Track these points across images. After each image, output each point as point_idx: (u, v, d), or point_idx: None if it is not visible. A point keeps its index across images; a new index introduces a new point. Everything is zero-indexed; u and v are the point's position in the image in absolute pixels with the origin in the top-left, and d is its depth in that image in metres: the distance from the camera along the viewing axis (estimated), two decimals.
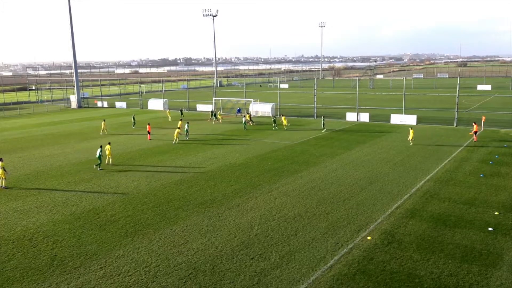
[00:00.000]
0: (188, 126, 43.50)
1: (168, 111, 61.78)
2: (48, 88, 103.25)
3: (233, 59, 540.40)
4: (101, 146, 31.85)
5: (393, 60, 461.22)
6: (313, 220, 20.49)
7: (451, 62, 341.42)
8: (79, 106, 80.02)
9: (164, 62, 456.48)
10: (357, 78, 72.79)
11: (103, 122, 47.94)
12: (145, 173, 29.77)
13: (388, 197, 23.63)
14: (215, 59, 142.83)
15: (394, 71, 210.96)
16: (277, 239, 18.39)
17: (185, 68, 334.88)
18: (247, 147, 38.24)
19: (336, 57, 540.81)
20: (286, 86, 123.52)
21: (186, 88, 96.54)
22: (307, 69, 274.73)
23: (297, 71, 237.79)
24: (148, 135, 42.88)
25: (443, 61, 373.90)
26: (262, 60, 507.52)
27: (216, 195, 24.52)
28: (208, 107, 67.37)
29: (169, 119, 56.51)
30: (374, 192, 24.63)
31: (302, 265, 16.10)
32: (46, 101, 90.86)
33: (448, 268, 15.75)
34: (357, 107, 55.45)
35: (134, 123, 51.41)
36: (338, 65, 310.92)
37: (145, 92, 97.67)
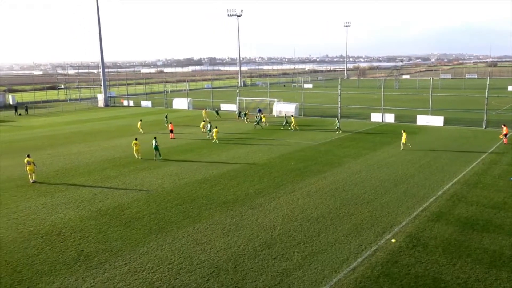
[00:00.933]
0: (210, 126, 43.89)
1: (204, 110, 58.14)
2: (76, 87, 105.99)
3: (257, 59, 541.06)
4: (155, 138, 34.78)
5: (419, 60, 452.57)
6: (336, 221, 20.32)
7: (480, 62, 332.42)
8: (106, 105, 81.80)
9: (189, 62, 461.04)
10: (383, 78, 71.61)
11: (139, 122, 47.87)
12: (169, 171, 30.14)
13: (413, 200, 23.20)
14: (239, 59, 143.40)
15: (420, 71, 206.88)
16: (299, 239, 18.32)
17: (210, 68, 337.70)
18: (270, 147, 38.23)
19: (361, 57, 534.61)
20: (310, 86, 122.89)
21: (210, 88, 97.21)
22: (331, 69, 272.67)
23: (322, 71, 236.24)
24: (171, 133, 43.26)
25: (472, 61, 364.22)
26: (286, 60, 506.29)
27: (239, 194, 24.61)
28: (232, 107, 67.70)
29: (205, 118, 54.10)
30: (399, 194, 24.22)
31: (324, 266, 15.97)
32: (74, 100, 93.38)
33: (476, 273, 15.34)
34: (382, 107, 54.64)
35: (167, 122, 52.00)
36: (363, 65, 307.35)
37: (170, 91, 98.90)
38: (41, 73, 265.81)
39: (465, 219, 20.22)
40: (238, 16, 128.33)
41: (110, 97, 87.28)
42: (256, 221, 20.47)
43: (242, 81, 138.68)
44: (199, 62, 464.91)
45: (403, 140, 35.66)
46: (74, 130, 50.75)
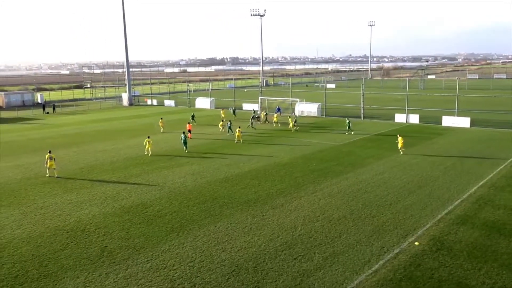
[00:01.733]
0: (230, 125, 44.52)
1: (222, 110, 58.34)
2: (102, 86, 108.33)
3: (279, 59, 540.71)
4: (183, 132, 37.23)
5: (446, 60, 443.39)
6: (358, 222, 20.11)
7: (509, 62, 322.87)
8: (130, 104, 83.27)
9: (211, 62, 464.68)
10: (407, 78, 70.34)
11: (160, 120, 48.32)
12: (191, 170, 30.42)
13: (437, 202, 22.73)
14: (262, 58, 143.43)
15: (447, 71, 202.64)
16: (320, 240, 18.22)
17: (232, 68, 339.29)
18: (292, 147, 38.13)
19: (385, 57, 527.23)
20: (332, 86, 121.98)
21: (232, 87, 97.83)
22: (354, 69, 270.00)
23: (345, 71, 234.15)
24: (189, 133, 43.04)
25: (500, 61, 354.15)
26: (309, 60, 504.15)
27: (260, 194, 24.64)
28: (255, 106, 67.77)
29: (223, 118, 53.44)
30: (422, 196, 23.79)
31: (345, 268, 15.84)
32: (100, 99, 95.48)
33: (502, 279, 14.93)
34: (406, 108, 53.77)
35: (194, 121, 52.43)
36: (387, 65, 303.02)
37: (193, 90, 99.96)
38: (68, 72, 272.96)
39: (491, 223, 19.71)
40: (261, 16, 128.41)
41: (134, 96, 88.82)
42: (277, 221, 20.45)
43: (264, 80, 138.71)
44: (222, 62, 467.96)
45: (400, 145, 34.12)
46: (99, 128, 51.84)
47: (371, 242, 17.89)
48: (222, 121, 48.66)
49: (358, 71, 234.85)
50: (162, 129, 47.07)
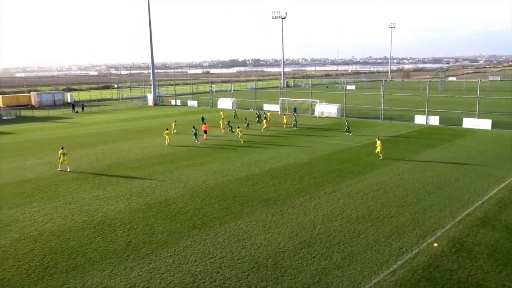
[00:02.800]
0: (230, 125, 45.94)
1: (222, 112, 57.01)
2: (128, 87, 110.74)
3: (300, 60, 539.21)
4: (193, 126, 40.89)
5: (467, 61, 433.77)
6: (377, 223, 20.25)
7: None
8: (155, 104, 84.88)
9: (233, 63, 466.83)
10: (427, 80, 69.52)
11: (173, 123, 48.10)
12: (212, 168, 31.00)
13: (457, 204, 22.66)
14: (283, 60, 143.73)
15: (468, 73, 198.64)
16: (339, 239, 18.44)
17: (254, 69, 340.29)
18: (312, 147, 38.34)
19: (405, 58, 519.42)
20: (352, 87, 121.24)
21: (254, 88, 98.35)
22: (374, 70, 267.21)
23: (365, 73, 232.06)
24: (205, 134, 43.08)
25: None
26: (329, 61, 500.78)
27: (280, 193, 24.99)
28: (275, 107, 68.18)
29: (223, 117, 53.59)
30: (442, 197, 23.73)
31: (364, 267, 16.02)
32: (126, 99, 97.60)
33: None
34: (426, 109, 53.26)
35: (203, 123, 52.93)
36: (407, 66, 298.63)
37: (215, 91, 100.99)
38: (96, 73, 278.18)
39: None
40: (282, 18, 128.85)
41: (159, 96, 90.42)
42: (296, 220, 20.78)
43: (285, 82, 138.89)
44: (243, 63, 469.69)
45: (378, 149, 33.01)
46: (125, 127, 53.02)
47: (389, 242, 18.02)
48: (223, 119, 49.21)
49: (378, 72, 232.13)
50: (175, 130, 46.21)
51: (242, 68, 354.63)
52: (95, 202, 24.03)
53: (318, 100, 64.12)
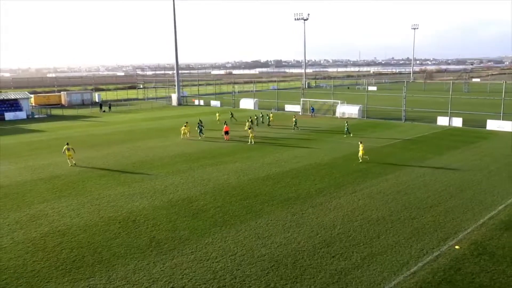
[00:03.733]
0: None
1: (217, 114, 58.42)
2: (153, 87, 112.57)
3: (322, 61, 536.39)
4: (199, 122, 42.90)
5: (492, 63, 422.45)
6: (397, 224, 20.20)
7: None
8: (179, 104, 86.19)
9: (256, 64, 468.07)
10: (451, 81, 68.41)
11: (184, 126, 45.46)
12: (234, 167, 31.38)
13: (480, 207, 22.36)
14: (305, 61, 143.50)
15: (492, 74, 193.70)
16: (359, 240, 18.48)
17: (276, 70, 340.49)
18: (332, 147, 38.30)
19: (428, 60, 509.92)
20: (374, 88, 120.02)
21: (275, 89, 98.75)
22: (397, 71, 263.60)
23: (386, 74, 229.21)
24: (226, 135, 43.05)
25: None
26: (351, 62, 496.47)
27: (300, 193, 25.15)
28: (296, 108, 68.20)
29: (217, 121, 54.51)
30: (464, 200, 23.45)
31: (383, 268, 16.02)
32: (151, 99, 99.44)
33: None
34: (449, 111, 52.46)
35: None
36: (430, 67, 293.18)
37: (238, 92, 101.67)
38: (123, 74, 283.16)
39: None
40: (305, 20, 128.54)
41: (183, 96, 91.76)
42: (316, 220, 20.91)
43: (306, 83, 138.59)
44: (265, 65, 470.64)
45: (360, 153, 32.29)
46: (150, 126, 53.97)
47: (410, 244, 17.96)
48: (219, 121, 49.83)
49: (400, 73, 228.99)
50: (186, 136, 44.51)
51: (264, 69, 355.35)
52: (120, 198, 24.72)
53: (339, 101, 63.90)
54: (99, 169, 31.72)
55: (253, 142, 40.57)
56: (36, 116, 69.66)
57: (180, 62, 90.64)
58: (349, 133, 44.51)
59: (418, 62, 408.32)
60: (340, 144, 40.00)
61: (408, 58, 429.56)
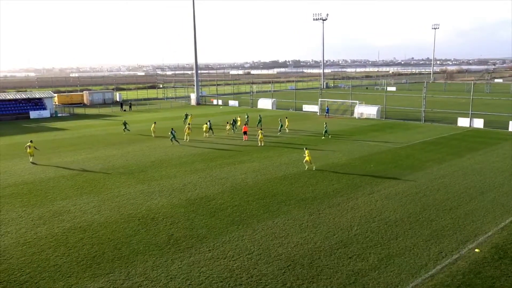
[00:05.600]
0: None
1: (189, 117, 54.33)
2: (173, 87, 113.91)
3: (340, 62, 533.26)
4: (172, 129, 41.23)
5: None
6: (416, 226, 20.02)
7: None
8: (198, 103, 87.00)
9: (274, 64, 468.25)
10: (472, 81, 67.26)
11: (153, 125, 46.94)
12: (252, 167, 31.52)
13: (501, 209, 21.96)
14: (323, 61, 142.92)
15: None
16: (376, 241, 18.39)
17: (294, 70, 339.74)
18: (350, 148, 38.10)
19: (449, 60, 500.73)
20: (393, 89, 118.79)
21: (293, 89, 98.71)
22: (416, 72, 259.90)
23: (406, 74, 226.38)
24: (245, 135, 43.16)
25: None
26: (370, 62, 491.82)
27: (317, 193, 25.13)
28: (314, 108, 68.00)
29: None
30: (485, 202, 23.06)
31: (401, 270, 15.91)
32: (171, 98, 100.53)
33: None
34: (470, 112, 51.56)
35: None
36: (451, 68, 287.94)
37: (256, 92, 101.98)
38: (143, 74, 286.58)
39: None
40: (323, 20, 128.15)
41: (202, 96, 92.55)
42: (333, 220, 20.88)
43: (325, 83, 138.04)
44: (284, 65, 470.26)
45: (306, 158, 30.36)
46: (169, 126, 54.31)
47: (428, 246, 17.79)
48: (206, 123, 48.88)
49: (420, 74, 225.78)
50: (153, 134, 45.58)
51: (283, 69, 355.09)
52: (139, 196, 25.13)
53: (357, 101, 63.48)
54: (119, 167, 32.30)
55: (262, 144, 40.10)
56: (59, 115, 71.27)
57: (199, 62, 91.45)
58: (328, 135, 43.86)
59: (438, 62, 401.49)
60: (357, 145, 39.74)
61: (428, 58, 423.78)
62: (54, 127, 55.97)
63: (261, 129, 42.97)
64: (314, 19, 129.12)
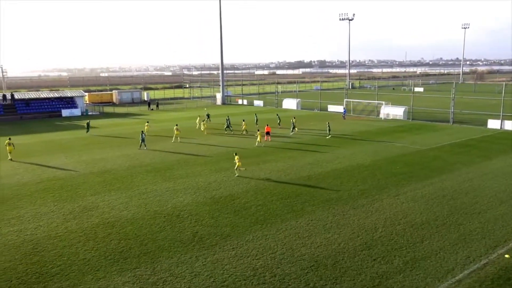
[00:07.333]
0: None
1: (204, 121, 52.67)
2: (199, 87, 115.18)
3: (367, 62, 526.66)
4: (142, 131, 40.82)
5: None
6: (442, 229, 19.65)
7: None
8: (223, 103, 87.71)
9: (299, 64, 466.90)
10: (503, 82, 65.23)
11: (202, 122, 48.09)
12: (276, 167, 31.58)
13: None
14: (349, 62, 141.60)
15: None
16: (401, 244, 18.15)
17: (319, 70, 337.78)
18: (375, 149, 37.66)
19: (479, 60, 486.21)
20: (421, 89, 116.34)
21: (318, 89, 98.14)
22: (445, 72, 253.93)
23: (434, 75, 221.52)
24: (267, 136, 42.69)
25: None
26: (397, 63, 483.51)
27: (341, 194, 24.99)
28: (339, 108, 67.46)
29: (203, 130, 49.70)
30: None
31: (427, 274, 15.66)
32: (197, 98, 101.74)
33: None
34: (501, 113, 50.06)
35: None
36: (481, 68, 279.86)
37: (281, 92, 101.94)
38: (170, 73, 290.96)
39: None
40: (350, 20, 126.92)
41: (227, 96, 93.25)
42: (357, 221, 20.73)
43: (350, 83, 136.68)
44: (309, 65, 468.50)
45: (238, 163, 29.02)
46: (194, 125, 55.11)
47: (455, 250, 17.45)
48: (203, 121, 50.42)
49: (449, 74, 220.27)
50: (178, 139, 43.49)
51: (308, 69, 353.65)
52: (165, 193, 25.59)
53: (384, 102, 62.62)
54: (146, 165, 32.95)
55: (262, 145, 39.83)
56: (89, 113, 73.20)
57: (225, 62, 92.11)
58: (329, 135, 43.96)
59: (468, 62, 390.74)
60: (383, 146, 39.23)
61: (457, 58, 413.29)
62: (84, 125, 57.38)
63: (258, 130, 42.29)
64: (340, 19, 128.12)
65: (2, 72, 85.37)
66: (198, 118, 53.34)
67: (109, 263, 16.73)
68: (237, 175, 29.41)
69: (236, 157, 29.35)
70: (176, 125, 45.10)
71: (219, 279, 15.51)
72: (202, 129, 48.67)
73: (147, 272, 16.03)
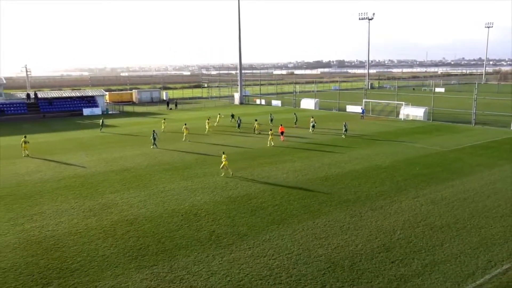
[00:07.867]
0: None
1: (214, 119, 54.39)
2: (217, 86, 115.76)
3: (386, 62, 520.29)
4: (153, 130, 41.14)
5: None
6: (463, 232, 19.29)
7: None
8: (241, 103, 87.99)
9: (318, 64, 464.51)
10: None
11: (184, 126, 45.23)
12: (293, 167, 31.50)
13: None
14: (368, 61, 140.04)
15: None
16: (420, 246, 17.91)
17: (338, 70, 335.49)
18: (395, 150, 37.20)
19: (503, 60, 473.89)
20: (442, 90, 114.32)
21: (337, 89, 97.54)
22: (467, 72, 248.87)
23: (456, 75, 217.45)
24: (281, 136, 42.71)
25: None
26: (417, 63, 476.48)
27: (359, 195, 24.77)
28: (358, 109, 66.88)
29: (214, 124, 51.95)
30: None
31: (446, 277, 15.41)
32: (215, 97, 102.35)
33: None
34: None
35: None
36: (505, 68, 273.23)
37: (299, 92, 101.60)
38: (189, 73, 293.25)
39: None
40: (369, 19, 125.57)
41: (245, 95, 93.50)
42: (375, 223, 20.52)
43: (369, 83, 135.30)
44: (327, 65, 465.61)
45: (223, 163, 28.99)
46: (212, 124, 55.36)
47: (476, 254, 17.12)
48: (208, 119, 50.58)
49: (471, 75, 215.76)
50: (187, 139, 43.70)
51: (326, 69, 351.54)
52: (183, 192, 25.81)
53: (403, 103, 61.80)
54: (164, 164, 33.28)
55: (272, 145, 39.71)
56: (110, 112, 74.40)
57: (243, 62, 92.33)
58: (344, 134, 44.24)
59: (491, 62, 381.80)
60: (403, 147, 38.72)
61: (480, 58, 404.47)
62: (104, 124, 58.35)
63: (271, 129, 42.13)
64: (359, 19, 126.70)
65: (26, 71, 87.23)
66: (209, 119, 52.34)
67: (127, 260, 16.97)
68: (223, 174, 29.36)
69: (223, 156, 29.41)
70: (185, 124, 45.64)
71: (235, 278, 15.57)
72: (208, 128, 49.00)
73: (164, 270, 16.20)
